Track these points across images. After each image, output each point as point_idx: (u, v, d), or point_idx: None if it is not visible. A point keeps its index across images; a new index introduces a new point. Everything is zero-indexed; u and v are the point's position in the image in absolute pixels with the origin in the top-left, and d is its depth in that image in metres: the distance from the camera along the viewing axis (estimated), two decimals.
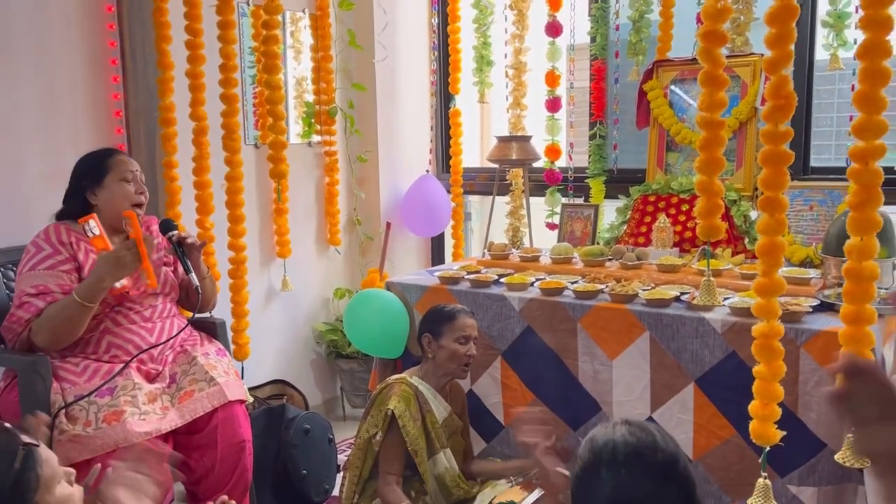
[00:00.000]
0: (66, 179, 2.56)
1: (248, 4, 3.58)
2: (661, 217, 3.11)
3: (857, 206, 1.84)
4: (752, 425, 2.09)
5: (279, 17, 3.23)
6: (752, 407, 2.08)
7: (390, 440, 2.45)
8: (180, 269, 2.63)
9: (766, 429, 2.06)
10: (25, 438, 1.20)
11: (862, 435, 0.98)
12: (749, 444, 2.23)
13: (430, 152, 4.32)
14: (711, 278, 2.28)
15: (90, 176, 2.51)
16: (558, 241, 3.44)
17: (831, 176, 3.12)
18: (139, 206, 2.54)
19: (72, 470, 1.30)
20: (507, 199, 3.97)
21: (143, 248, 2.36)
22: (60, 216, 2.54)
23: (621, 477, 1.21)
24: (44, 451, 1.22)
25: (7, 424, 1.20)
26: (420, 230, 4.25)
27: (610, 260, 3.06)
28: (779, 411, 2.06)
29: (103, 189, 2.50)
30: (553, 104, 3.72)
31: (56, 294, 2.35)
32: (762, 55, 3.02)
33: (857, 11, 2.86)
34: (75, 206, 2.51)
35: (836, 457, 2.07)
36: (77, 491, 1.28)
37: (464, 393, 2.80)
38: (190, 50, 3.11)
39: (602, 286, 2.72)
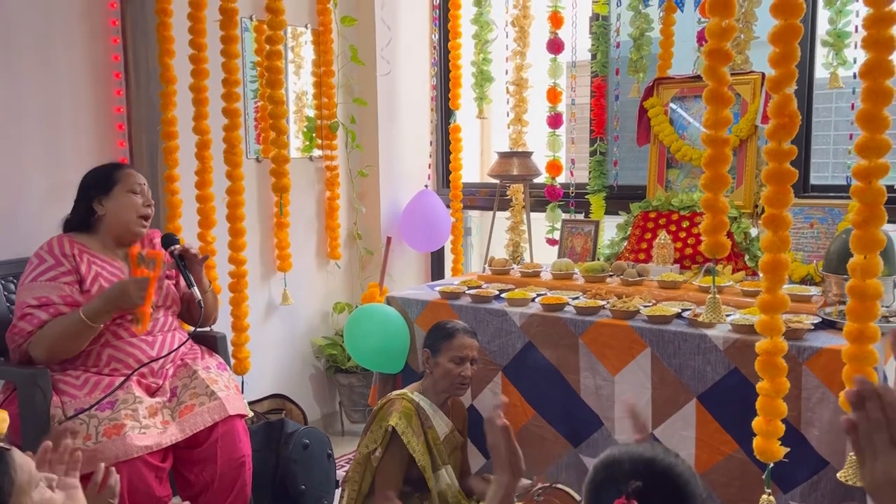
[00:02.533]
0: (68, 192, 2.57)
1: (251, 20, 3.60)
2: (662, 233, 3.12)
3: (860, 225, 1.85)
4: (755, 442, 2.09)
5: (282, 33, 3.25)
6: (756, 423, 2.08)
7: (389, 457, 2.44)
8: (182, 282, 2.63)
9: (769, 445, 2.06)
10: None
11: (870, 465, 0.93)
12: (752, 459, 2.23)
13: (429, 167, 4.33)
14: (717, 295, 2.28)
15: (98, 186, 2.52)
16: (559, 256, 3.45)
17: (831, 193, 3.13)
18: (146, 217, 2.55)
19: (53, 476, 1.30)
20: (507, 214, 3.98)
21: (151, 291, 2.38)
22: (67, 224, 2.54)
23: (631, 485, 1.23)
24: (17, 456, 1.22)
25: None
26: (419, 245, 4.25)
27: (611, 276, 3.06)
28: (782, 428, 2.06)
29: (111, 199, 2.50)
30: (555, 120, 3.74)
31: (58, 306, 2.35)
32: (762, 73, 3.04)
33: (856, 31, 2.90)
34: (81, 215, 2.52)
35: (838, 475, 2.06)
36: (59, 496, 1.27)
37: (465, 409, 2.79)
38: (193, 64, 3.12)
39: (603, 302, 2.72)
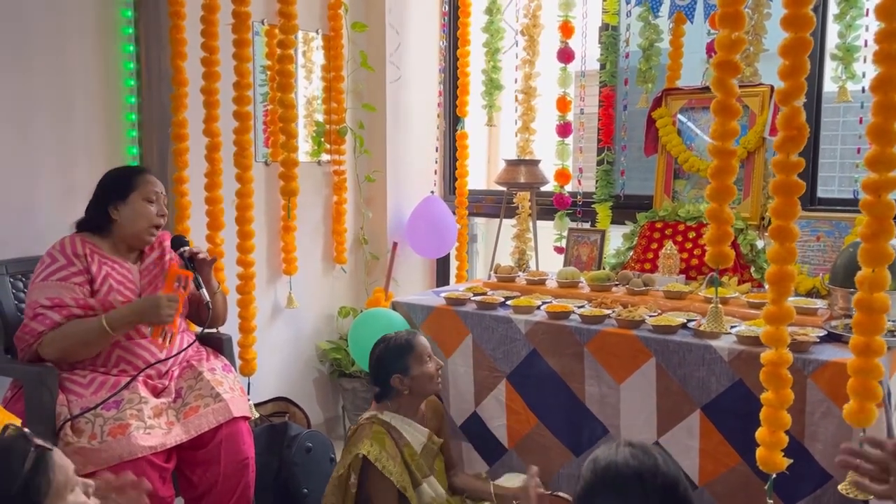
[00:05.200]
0: (79, 191, 2.59)
1: (263, 24, 3.62)
2: (668, 244, 3.12)
3: (869, 238, 1.86)
4: (758, 452, 2.09)
5: (293, 37, 3.26)
6: (760, 434, 2.08)
7: (378, 489, 2.38)
8: (191, 284, 2.64)
9: (772, 456, 2.06)
10: (38, 441, 1.19)
11: None
12: (755, 471, 2.23)
13: (436, 173, 4.34)
14: (719, 305, 2.29)
15: (115, 190, 2.53)
16: (564, 265, 3.45)
17: (838, 207, 3.13)
18: (157, 227, 2.57)
19: (91, 482, 1.29)
20: (513, 221, 3.99)
21: (180, 309, 2.44)
22: (80, 225, 2.55)
23: (621, 499, 1.22)
24: (58, 457, 1.20)
25: (24, 429, 1.19)
26: (425, 251, 4.26)
27: (616, 285, 3.06)
28: (786, 439, 2.06)
29: (126, 205, 2.52)
30: (563, 129, 3.75)
31: (72, 308, 2.36)
32: (771, 86, 3.05)
33: (865, 45, 2.91)
34: (96, 217, 2.53)
35: (839, 487, 2.06)
36: (94, 503, 1.26)
37: (440, 407, 2.73)
38: (205, 67, 3.14)
39: (609, 311, 2.73)
